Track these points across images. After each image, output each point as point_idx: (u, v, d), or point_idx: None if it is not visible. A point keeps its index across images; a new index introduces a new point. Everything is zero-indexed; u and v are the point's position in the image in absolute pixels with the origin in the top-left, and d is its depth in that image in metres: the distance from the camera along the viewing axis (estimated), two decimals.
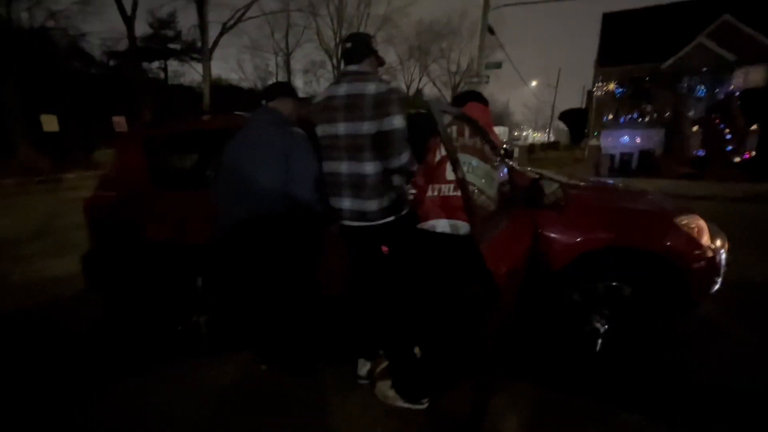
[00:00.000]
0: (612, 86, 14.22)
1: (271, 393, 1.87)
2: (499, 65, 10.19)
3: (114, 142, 2.40)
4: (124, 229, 2.20)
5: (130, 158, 2.22)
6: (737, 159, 10.71)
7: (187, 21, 19.28)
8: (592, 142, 13.47)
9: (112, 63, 17.30)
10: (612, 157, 12.47)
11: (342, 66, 1.77)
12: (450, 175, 1.70)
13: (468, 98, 2.03)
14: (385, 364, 1.88)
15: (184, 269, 2.16)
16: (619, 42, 16.48)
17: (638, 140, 13.24)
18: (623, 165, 12.34)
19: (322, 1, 22.15)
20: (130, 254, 2.18)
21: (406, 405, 1.76)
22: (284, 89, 1.96)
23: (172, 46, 19.30)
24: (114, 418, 1.74)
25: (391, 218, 1.69)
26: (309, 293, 1.95)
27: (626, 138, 13.60)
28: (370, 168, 1.63)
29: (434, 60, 27.84)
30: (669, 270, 1.92)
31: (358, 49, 1.70)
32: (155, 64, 19.19)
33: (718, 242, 2.06)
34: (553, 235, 1.98)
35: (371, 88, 1.60)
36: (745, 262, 3.33)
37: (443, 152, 1.74)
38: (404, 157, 1.62)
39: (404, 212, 1.73)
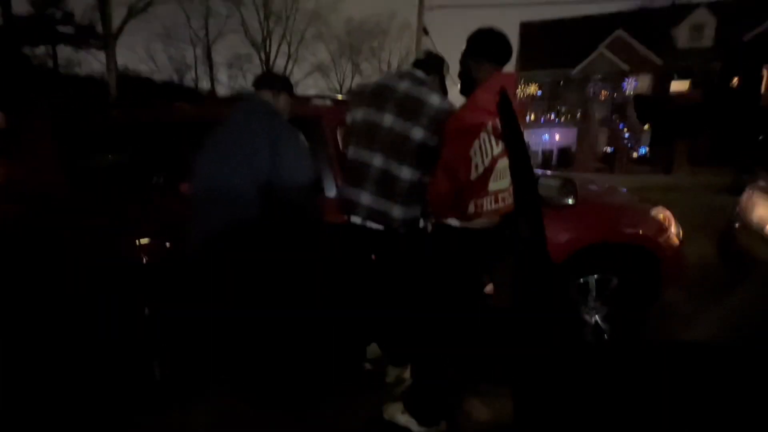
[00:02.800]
0: (533, 89, 15.57)
1: None
2: None
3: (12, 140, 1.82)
4: (41, 249, 1.67)
5: (39, 158, 1.68)
6: (635, 155, 12.44)
7: (80, 1, 16.59)
8: None
9: None
10: (535, 153, 13.70)
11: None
12: (492, 186, 1.43)
13: (480, 57, 1.47)
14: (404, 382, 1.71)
15: (127, 297, 1.72)
16: (536, 49, 18.15)
17: (557, 138, 14.71)
18: (545, 160, 13.63)
19: None
20: (48, 280, 1.66)
21: (422, 429, 1.58)
22: (278, 81, 1.72)
23: (62, 29, 16.52)
24: None
25: (414, 228, 1.62)
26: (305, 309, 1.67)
27: (546, 136, 15.01)
28: (406, 173, 1.53)
29: (366, 59, 27.91)
30: (649, 260, 2.04)
31: (432, 64, 1.69)
32: (40, 50, 16.25)
33: (680, 231, 2.24)
34: (559, 231, 1.96)
35: (435, 99, 1.55)
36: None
37: (485, 164, 1.43)
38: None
39: (423, 226, 1.66)
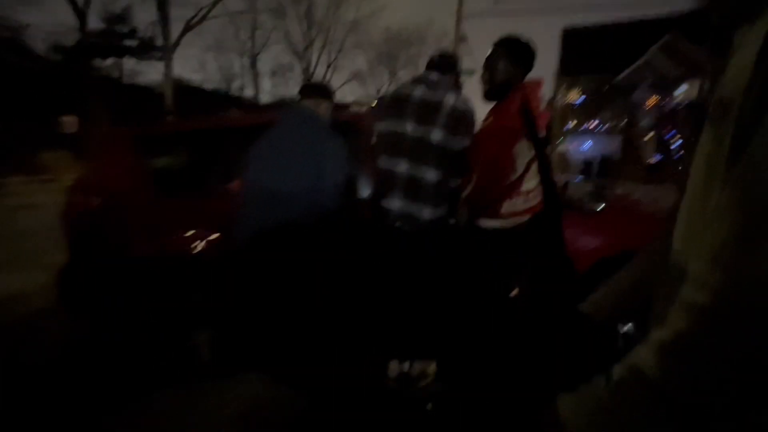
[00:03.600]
0: (574, 95, 15.04)
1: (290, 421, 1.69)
2: (472, 72, 10.43)
3: (85, 143, 2.12)
4: (113, 239, 1.94)
5: (120, 161, 1.96)
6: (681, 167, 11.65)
7: (142, 17, 18.12)
8: (559, 147, 14.17)
9: (58, 58, 15.92)
10: (576, 162, 13.18)
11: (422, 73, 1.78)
12: (525, 186, 1.58)
13: (517, 63, 1.58)
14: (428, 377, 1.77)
15: (184, 282, 1.94)
16: (578, 55, 17.49)
17: (599, 146, 14.08)
18: (586, 169, 13.07)
19: (291, 3, 21.78)
20: (122, 267, 1.92)
21: None
22: (320, 90, 1.89)
23: (128, 42, 18.13)
24: None
25: (443, 227, 1.67)
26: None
27: (588, 144, 14.41)
28: (431, 175, 1.60)
29: (403, 66, 28.19)
30: None
31: (446, 64, 1.72)
32: (108, 62, 17.91)
33: None
34: (584, 239, 1.97)
35: (450, 98, 1.60)
36: None
37: (524, 165, 1.58)
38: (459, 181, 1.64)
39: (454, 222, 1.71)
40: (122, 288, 1.95)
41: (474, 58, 15.37)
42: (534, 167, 1.59)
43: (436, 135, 1.58)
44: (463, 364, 1.70)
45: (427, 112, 1.60)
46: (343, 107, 2.37)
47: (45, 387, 1.88)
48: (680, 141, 12.73)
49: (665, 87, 14.15)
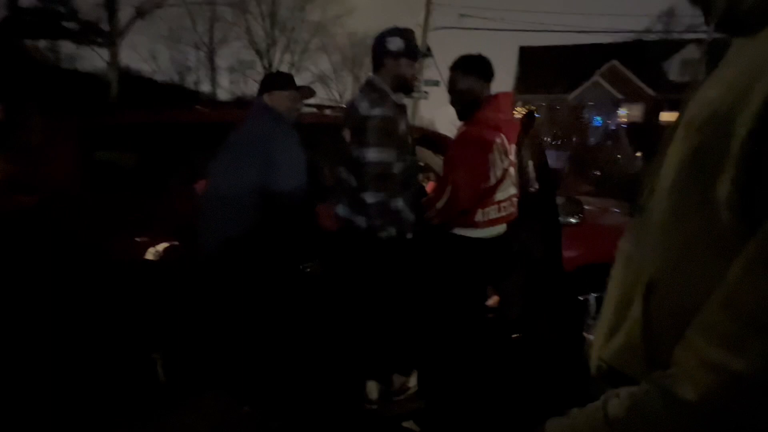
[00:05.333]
0: (531, 110, 15.97)
1: None
2: (437, 83, 10.68)
3: (13, 132, 1.85)
4: (51, 244, 1.67)
5: (61, 155, 1.70)
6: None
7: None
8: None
9: None
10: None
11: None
12: (498, 195, 1.64)
13: (473, 75, 1.67)
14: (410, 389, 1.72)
15: (134, 294, 1.72)
16: (534, 73, 18.66)
17: (550, 160, 15.03)
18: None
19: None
20: (60, 276, 1.66)
21: None
22: (273, 81, 1.74)
23: (67, 24, 16.50)
24: None
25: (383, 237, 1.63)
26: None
27: None
28: (353, 181, 1.62)
29: (367, 72, 28.26)
30: None
31: (374, 59, 1.65)
32: (42, 44, 16.17)
33: None
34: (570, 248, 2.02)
35: (362, 106, 1.55)
36: None
37: (497, 176, 1.64)
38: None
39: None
40: (61, 299, 1.69)
41: (438, 70, 15.83)
42: (508, 178, 1.66)
43: (348, 138, 1.60)
44: (442, 375, 1.67)
45: (348, 116, 1.62)
46: (321, 108, 2.28)
47: None
48: (621, 159, 13.96)
49: (608, 108, 15.51)
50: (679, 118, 0.48)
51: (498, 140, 1.60)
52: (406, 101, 1.77)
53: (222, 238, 1.59)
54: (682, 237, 0.41)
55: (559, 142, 15.43)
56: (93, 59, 17.22)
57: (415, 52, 1.61)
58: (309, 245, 1.73)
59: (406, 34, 1.61)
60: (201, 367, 1.76)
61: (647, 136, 13.26)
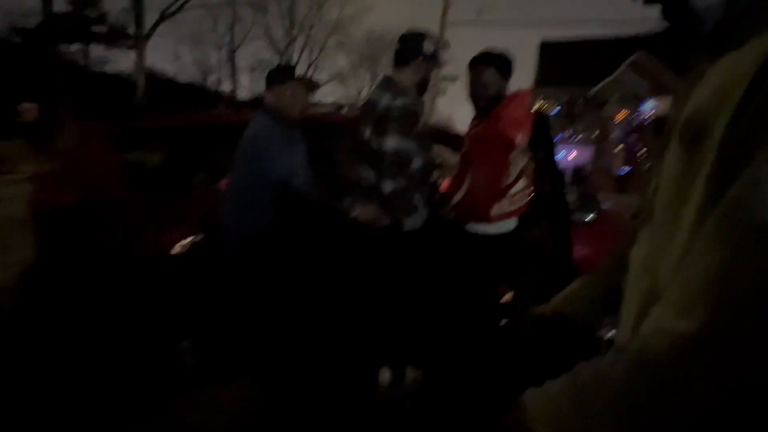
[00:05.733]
0: (549, 106, 15.58)
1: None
2: (455, 78, 10.58)
3: (47, 133, 1.98)
4: (88, 238, 1.80)
5: (98, 155, 1.82)
6: None
7: (114, 3, 17.26)
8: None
9: (18, 41, 14.85)
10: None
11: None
12: (513, 190, 1.64)
13: (502, 73, 1.69)
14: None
15: (166, 286, 1.83)
16: (554, 67, 18.17)
17: (573, 156, 14.62)
18: None
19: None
20: (96, 269, 1.78)
21: None
22: (272, 77, 1.72)
23: (96, 28, 17.17)
24: None
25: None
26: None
27: (562, 153, 14.95)
28: (369, 175, 1.64)
29: (384, 69, 28.23)
30: None
31: (398, 56, 1.66)
32: (74, 48, 16.89)
33: None
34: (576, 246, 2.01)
35: (385, 98, 1.56)
36: None
37: (516, 173, 1.64)
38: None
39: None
40: (95, 291, 1.81)
41: (457, 64, 15.66)
42: (526, 174, 1.65)
43: (366, 134, 1.60)
44: (454, 369, 1.70)
45: (365, 113, 1.63)
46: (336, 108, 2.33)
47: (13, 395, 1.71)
48: (647, 154, 13.46)
49: (634, 102, 14.96)
50: (673, 123, 0.50)
51: (518, 139, 1.59)
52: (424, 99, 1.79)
53: (238, 234, 1.67)
54: (685, 247, 0.43)
55: (580, 138, 15.02)
56: (120, 62, 17.92)
57: (438, 59, 1.67)
58: (318, 240, 1.77)
59: (434, 40, 1.67)
60: (228, 354, 1.85)
61: None
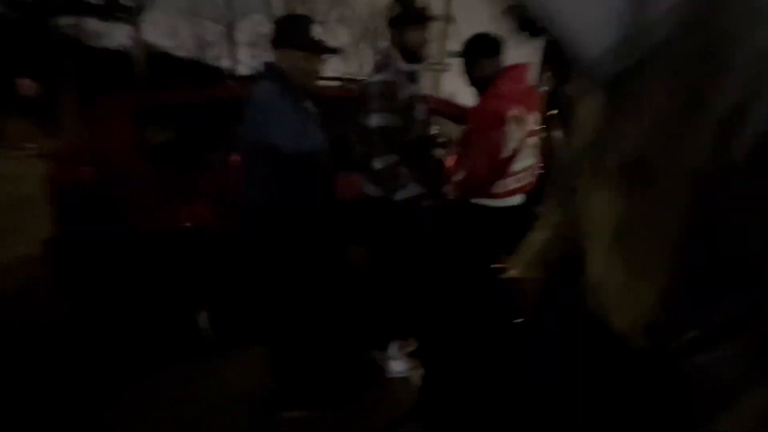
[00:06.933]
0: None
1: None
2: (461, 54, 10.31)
3: (50, 109, 2.00)
4: (108, 212, 1.86)
5: (117, 131, 1.85)
6: None
7: None
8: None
9: (13, 16, 14.45)
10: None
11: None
12: (515, 166, 1.67)
13: (476, 57, 1.69)
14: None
15: (185, 257, 1.90)
16: None
17: None
18: None
19: None
20: (120, 241, 1.86)
21: None
22: (273, 36, 1.42)
23: (91, 0, 16.65)
24: None
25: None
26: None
27: None
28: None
29: (387, 44, 27.39)
30: None
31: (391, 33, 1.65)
32: (69, 21, 16.43)
33: None
34: None
35: (373, 75, 1.58)
36: None
37: (512, 148, 1.66)
38: None
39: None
40: (118, 262, 1.89)
41: (463, 39, 15.21)
42: (525, 148, 1.68)
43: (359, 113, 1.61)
44: (452, 344, 1.75)
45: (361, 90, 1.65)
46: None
47: (43, 361, 1.82)
48: None
49: None
50: (586, 157, 0.50)
51: (513, 111, 1.61)
52: (429, 73, 1.77)
53: (244, 205, 1.64)
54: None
55: None
56: (116, 36, 17.45)
57: (415, 17, 1.56)
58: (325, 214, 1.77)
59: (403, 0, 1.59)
60: (244, 325, 1.93)
61: None
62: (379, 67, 1.57)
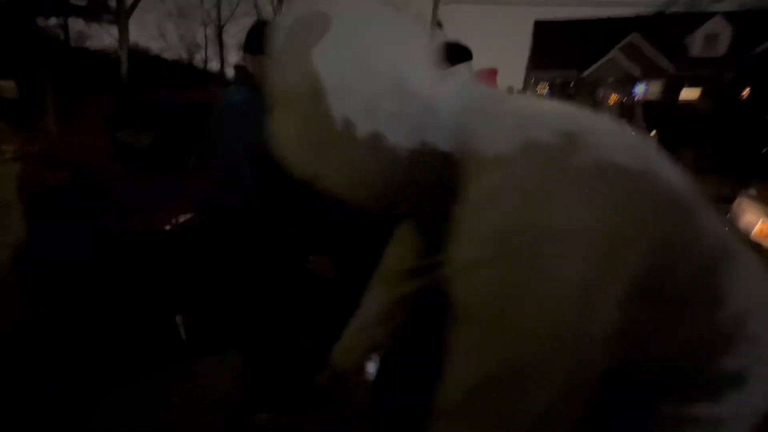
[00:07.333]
0: (543, 88, 15.55)
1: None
2: None
3: (28, 111, 1.97)
4: (82, 216, 1.83)
5: (93, 133, 1.83)
6: None
7: None
8: None
9: None
10: None
11: None
12: None
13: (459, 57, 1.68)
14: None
15: (159, 260, 1.88)
16: (548, 48, 18.01)
17: None
18: None
19: None
20: (92, 245, 1.82)
21: None
22: (257, 42, 1.38)
23: (75, 1, 16.40)
24: None
25: None
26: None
27: None
28: None
29: None
30: None
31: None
32: (52, 22, 16.14)
33: None
34: None
35: None
36: None
37: None
38: None
39: None
40: (91, 267, 1.86)
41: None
42: None
43: None
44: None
45: None
46: None
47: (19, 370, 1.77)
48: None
49: (625, 85, 14.98)
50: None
51: None
52: None
53: (213, 209, 1.62)
54: None
55: None
56: (102, 38, 17.19)
57: None
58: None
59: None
60: (220, 330, 1.91)
61: (665, 113, 12.87)
62: None
